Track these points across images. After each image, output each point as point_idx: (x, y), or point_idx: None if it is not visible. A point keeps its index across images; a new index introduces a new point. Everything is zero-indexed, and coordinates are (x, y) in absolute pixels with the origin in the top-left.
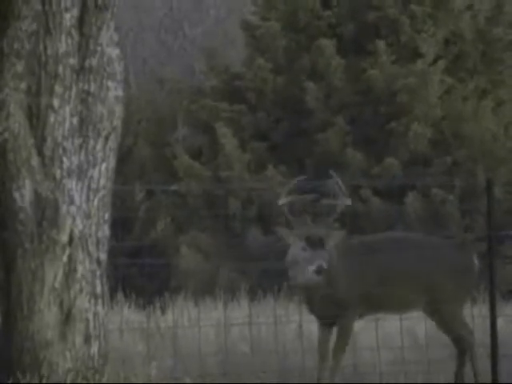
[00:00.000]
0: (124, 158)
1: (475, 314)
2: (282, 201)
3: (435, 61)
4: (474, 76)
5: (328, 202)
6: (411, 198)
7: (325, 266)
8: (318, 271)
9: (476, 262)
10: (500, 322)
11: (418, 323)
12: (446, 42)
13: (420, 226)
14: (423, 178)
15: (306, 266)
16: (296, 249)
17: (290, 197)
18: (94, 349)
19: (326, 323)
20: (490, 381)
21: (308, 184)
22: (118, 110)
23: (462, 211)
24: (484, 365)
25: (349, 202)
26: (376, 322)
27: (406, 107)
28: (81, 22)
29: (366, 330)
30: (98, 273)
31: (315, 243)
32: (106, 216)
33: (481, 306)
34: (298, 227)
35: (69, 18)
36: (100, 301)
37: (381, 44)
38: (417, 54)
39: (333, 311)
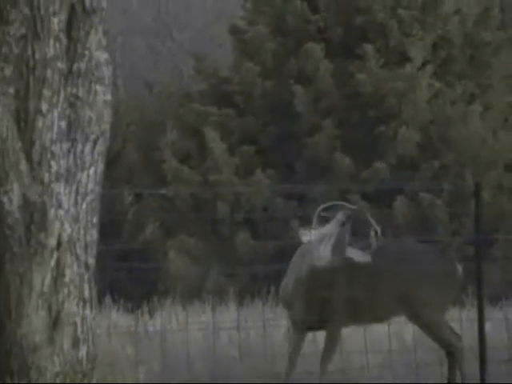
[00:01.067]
0: (112, 161)
1: (463, 318)
2: (306, 238)
3: (423, 65)
4: (462, 80)
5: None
6: (399, 202)
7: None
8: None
9: (459, 268)
10: (488, 325)
11: (405, 327)
12: (434, 46)
13: (408, 230)
14: (411, 182)
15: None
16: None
17: (312, 231)
18: (83, 353)
19: (311, 329)
20: None
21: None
22: (107, 114)
23: (450, 215)
24: (472, 369)
25: (378, 230)
26: (364, 326)
27: (394, 111)
28: (69, 26)
29: (354, 333)
30: (86, 277)
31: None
32: (95, 220)
33: (469, 309)
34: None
35: (57, 22)
36: (88, 305)
37: (369, 48)
38: (405, 58)
39: (322, 317)
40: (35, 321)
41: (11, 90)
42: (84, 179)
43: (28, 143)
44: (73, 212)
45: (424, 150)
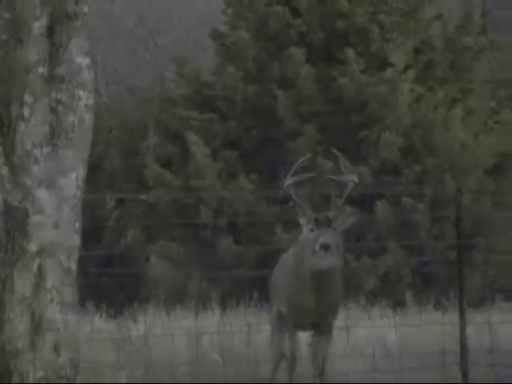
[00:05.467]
0: (94, 166)
1: (445, 322)
2: (288, 182)
3: (405, 70)
4: (443, 85)
5: (335, 178)
6: (381, 207)
7: (330, 241)
8: (324, 247)
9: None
10: (470, 329)
11: (389, 331)
12: (416, 51)
13: (390, 234)
14: (393, 186)
15: (313, 245)
16: (305, 232)
17: (295, 177)
18: (65, 358)
19: (317, 333)
20: None
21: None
22: (89, 119)
23: (432, 219)
24: (454, 372)
25: (355, 178)
26: (347, 330)
27: (376, 116)
28: (51, 30)
29: (337, 338)
30: (68, 282)
31: (322, 223)
32: (77, 225)
33: (451, 313)
34: (305, 209)
35: (38, 27)
36: (70, 310)
37: (350, 53)
38: (386, 63)
39: (329, 318)
40: (17, 326)
41: None
42: (66, 184)
43: (9, 148)
44: (55, 217)
45: (406, 155)
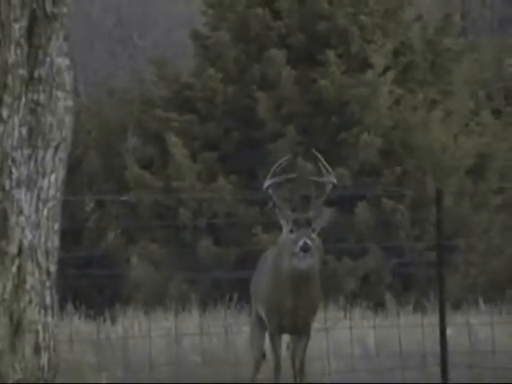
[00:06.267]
0: (74, 168)
1: (425, 323)
2: (267, 183)
3: (385, 71)
4: (423, 86)
5: (314, 179)
6: (361, 208)
7: (309, 242)
8: (304, 249)
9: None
10: (449, 331)
11: (368, 332)
12: (396, 53)
13: (370, 235)
14: (373, 188)
15: (293, 247)
16: (285, 233)
17: (274, 178)
18: (44, 360)
19: (295, 333)
20: None
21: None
22: (68, 120)
23: (412, 221)
24: (434, 373)
25: (334, 179)
26: (326, 331)
27: (356, 117)
28: (30, 32)
29: (317, 339)
30: (48, 283)
31: (302, 224)
32: (56, 226)
33: (430, 315)
34: (284, 210)
35: (18, 28)
36: (50, 312)
37: (331, 54)
38: (366, 65)
39: (308, 318)
40: None
41: None
42: (45, 186)
43: None
44: (34, 219)
45: (386, 156)
